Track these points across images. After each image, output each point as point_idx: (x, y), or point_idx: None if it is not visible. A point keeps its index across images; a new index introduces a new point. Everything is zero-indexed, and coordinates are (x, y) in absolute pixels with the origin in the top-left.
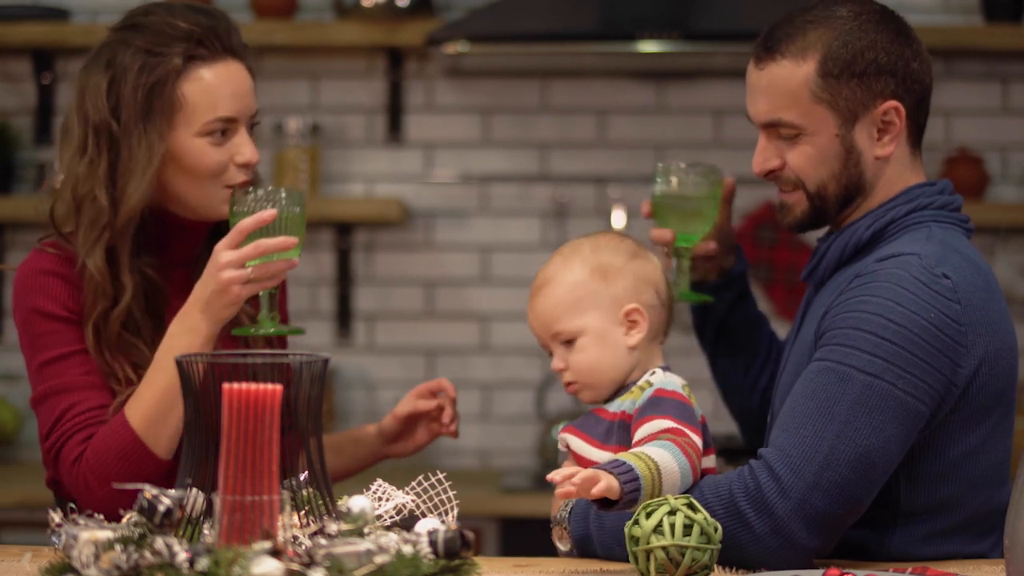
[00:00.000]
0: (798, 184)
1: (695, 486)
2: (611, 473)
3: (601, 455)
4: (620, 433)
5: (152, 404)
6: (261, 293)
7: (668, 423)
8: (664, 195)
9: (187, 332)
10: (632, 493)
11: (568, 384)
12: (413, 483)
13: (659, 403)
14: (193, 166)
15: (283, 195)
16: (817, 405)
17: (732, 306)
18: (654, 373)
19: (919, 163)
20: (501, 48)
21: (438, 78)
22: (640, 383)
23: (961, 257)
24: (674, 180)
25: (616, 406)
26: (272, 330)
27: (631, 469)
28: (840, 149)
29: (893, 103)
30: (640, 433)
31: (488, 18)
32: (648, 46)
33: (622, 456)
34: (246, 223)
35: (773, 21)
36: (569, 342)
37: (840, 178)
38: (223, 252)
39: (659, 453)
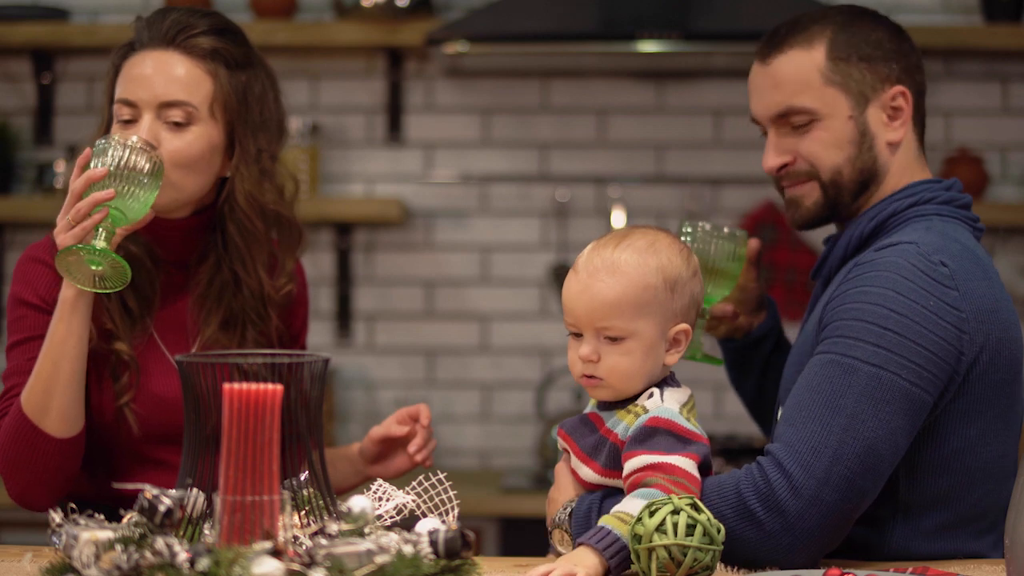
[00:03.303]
0: (811, 175)
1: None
2: (592, 548)
3: (588, 472)
4: (611, 456)
5: (36, 383)
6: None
7: (654, 458)
8: None
9: (59, 304)
10: (617, 557)
11: (591, 377)
12: (413, 483)
13: (650, 435)
14: None
15: (101, 141)
16: (823, 398)
17: (768, 360)
18: (651, 395)
19: (924, 160)
20: (501, 48)
21: (438, 78)
22: (637, 405)
23: (960, 246)
24: (698, 242)
25: (613, 423)
26: (96, 256)
27: (616, 539)
28: (855, 132)
29: (900, 88)
30: (628, 467)
31: (488, 18)
32: (648, 46)
33: (604, 522)
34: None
35: (771, 28)
36: (615, 339)
37: (855, 162)
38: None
39: (638, 506)
